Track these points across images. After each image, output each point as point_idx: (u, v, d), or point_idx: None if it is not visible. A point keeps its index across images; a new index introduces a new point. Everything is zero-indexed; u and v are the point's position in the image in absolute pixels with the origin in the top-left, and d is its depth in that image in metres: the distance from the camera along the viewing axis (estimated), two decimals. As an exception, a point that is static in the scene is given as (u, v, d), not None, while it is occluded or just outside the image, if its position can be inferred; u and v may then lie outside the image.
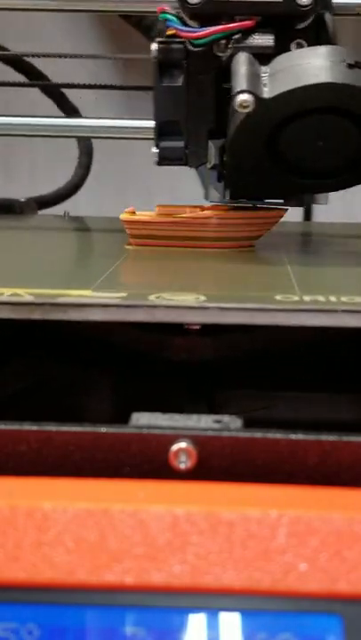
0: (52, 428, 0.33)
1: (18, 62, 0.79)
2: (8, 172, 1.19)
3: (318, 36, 0.51)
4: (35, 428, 0.33)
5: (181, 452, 0.33)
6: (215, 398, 0.44)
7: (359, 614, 0.29)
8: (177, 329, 0.45)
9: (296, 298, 0.38)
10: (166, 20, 0.51)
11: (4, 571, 0.30)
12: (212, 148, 0.53)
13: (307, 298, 0.38)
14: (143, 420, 0.34)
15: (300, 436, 0.33)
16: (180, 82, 0.52)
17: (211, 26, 0.50)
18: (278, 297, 0.38)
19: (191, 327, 0.44)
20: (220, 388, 0.47)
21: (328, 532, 0.30)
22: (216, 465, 0.33)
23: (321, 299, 0.38)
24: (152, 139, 0.55)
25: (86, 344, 0.49)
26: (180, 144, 0.54)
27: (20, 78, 0.81)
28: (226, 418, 0.34)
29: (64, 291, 0.38)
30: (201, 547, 0.30)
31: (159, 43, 0.52)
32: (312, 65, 0.47)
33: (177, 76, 0.52)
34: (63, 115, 0.81)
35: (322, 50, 0.48)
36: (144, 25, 0.89)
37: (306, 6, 0.50)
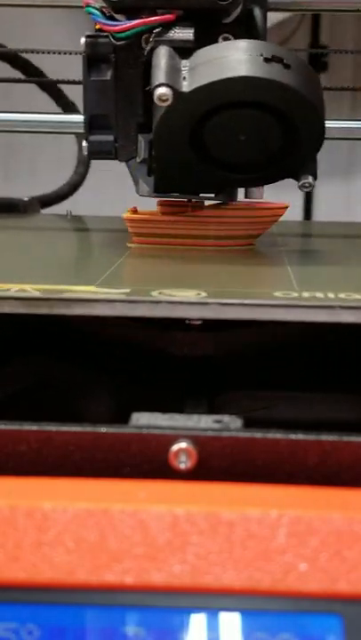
0: (52, 427, 0.33)
1: (13, 58, 0.79)
2: (8, 172, 1.19)
3: (247, 30, 0.51)
4: (35, 428, 0.33)
5: (181, 452, 0.33)
6: (215, 398, 0.44)
7: (359, 614, 0.29)
8: (178, 324, 0.45)
9: (295, 294, 0.38)
10: (90, 13, 0.51)
11: (3, 571, 0.30)
12: (142, 141, 0.53)
13: (305, 294, 0.38)
14: (143, 420, 0.34)
15: (300, 436, 0.33)
16: (108, 76, 0.53)
17: (135, 20, 0.50)
18: (278, 293, 0.38)
19: (193, 322, 0.44)
20: (220, 388, 0.47)
21: (328, 532, 0.30)
22: (216, 465, 0.33)
23: (319, 295, 0.38)
24: None
25: (86, 344, 0.49)
26: (110, 138, 0.54)
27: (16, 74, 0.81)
28: (226, 418, 0.34)
29: (69, 287, 0.39)
30: (201, 547, 0.30)
31: (87, 37, 0.52)
32: (230, 59, 0.47)
33: (105, 70, 0.53)
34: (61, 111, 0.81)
35: (241, 44, 0.48)
36: None
37: (225, 1, 0.49)
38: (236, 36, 0.50)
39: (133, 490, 0.32)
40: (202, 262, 0.51)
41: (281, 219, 0.56)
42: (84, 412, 0.49)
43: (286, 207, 0.55)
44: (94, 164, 0.89)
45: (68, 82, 0.75)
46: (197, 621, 0.30)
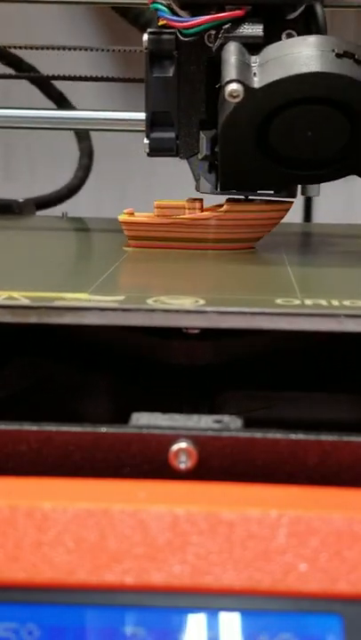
0: (52, 428, 0.33)
1: (4, 55, 0.79)
2: (8, 172, 1.19)
3: (309, 26, 0.51)
4: (35, 428, 0.33)
5: (181, 452, 0.33)
6: (215, 398, 0.44)
7: (359, 614, 0.29)
8: (176, 333, 0.45)
9: (297, 302, 0.37)
10: (157, 10, 0.51)
11: (4, 571, 0.30)
12: (204, 138, 0.53)
13: (308, 302, 0.37)
14: (143, 420, 0.34)
15: (300, 436, 0.33)
16: (171, 72, 0.53)
17: (201, 16, 0.50)
18: (279, 301, 0.37)
19: (190, 331, 0.44)
20: (219, 388, 0.46)
21: (328, 532, 0.30)
22: (216, 465, 0.33)
23: (323, 302, 0.37)
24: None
25: (86, 345, 0.49)
26: (172, 135, 0.54)
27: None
28: (226, 418, 0.34)
29: (60, 294, 0.37)
30: (201, 547, 0.30)
31: (150, 33, 0.52)
32: (302, 55, 0.47)
33: (168, 66, 0.53)
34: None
35: (311, 39, 0.48)
36: (142, 22, 0.89)
37: None
38: (299, 33, 0.51)
39: (133, 490, 0.32)
40: (200, 267, 0.50)
41: (281, 220, 0.56)
42: (83, 413, 0.48)
43: (287, 209, 0.55)
44: (94, 164, 0.89)
45: (64, 78, 0.75)
46: (197, 621, 0.29)
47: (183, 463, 0.33)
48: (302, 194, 0.55)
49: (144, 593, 0.29)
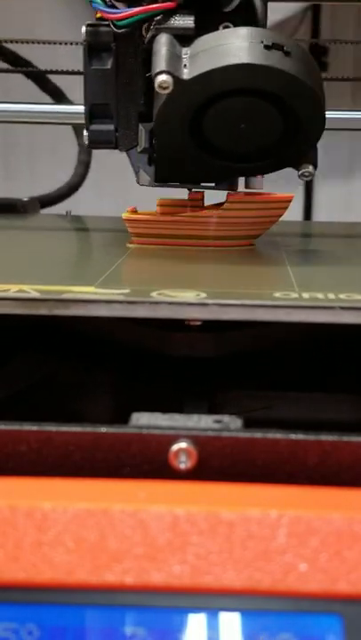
0: (52, 428, 0.33)
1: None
2: (8, 171, 1.19)
3: (247, 19, 0.51)
4: (35, 428, 0.33)
5: (181, 452, 0.33)
6: (215, 398, 0.44)
7: (359, 614, 0.29)
8: (178, 325, 0.45)
9: (295, 295, 0.38)
10: (92, 2, 0.51)
11: (4, 571, 0.30)
12: (143, 131, 0.53)
13: (305, 295, 0.38)
14: (143, 420, 0.34)
15: (300, 436, 0.33)
16: (109, 65, 0.52)
17: (135, 7, 0.50)
18: (277, 294, 0.38)
19: (192, 323, 0.44)
20: (220, 387, 0.47)
21: (328, 532, 0.30)
22: (216, 465, 0.33)
23: (319, 296, 0.38)
24: None
25: (87, 344, 0.49)
26: (111, 127, 0.54)
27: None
28: (226, 418, 0.34)
29: (68, 287, 0.39)
30: (201, 547, 0.30)
31: (88, 25, 0.52)
32: (231, 46, 0.46)
33: (106, 58, 0.52)
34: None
35: (242, 31, 0.47)
36: None
37: None
38: (237, 25, 0.50)
39: (133, 490, 0.32)
40: (201, 263, 0.50)
41: (281, 219, 0.56)
42: (83, 411, 0.49)
43: (286, 207, 0.55)
44: (95, 163, 0.89)
45: (59, 72, 0.75)
46: (197, 621, 0.30)
47: (183, 463, 0.33)
48: (246, 187, 0.55)
49: (144, 593, 0.29)
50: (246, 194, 0.55)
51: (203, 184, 0.54)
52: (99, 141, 0.54)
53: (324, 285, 0.41)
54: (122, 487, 0.32)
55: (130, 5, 0.50)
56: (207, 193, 0.55)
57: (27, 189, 0.84)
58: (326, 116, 0.49)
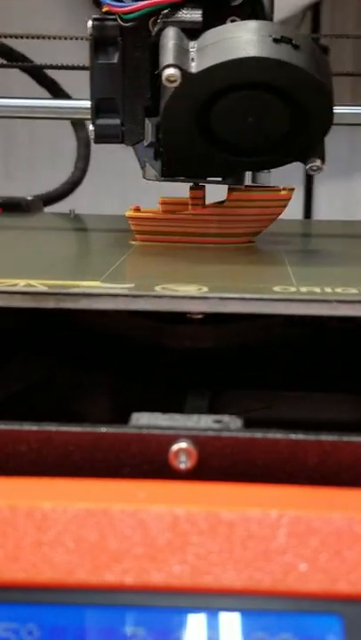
0: (52, 428, 0.33)
1: None
2: (8, 171, 1.19)
3: (254, 13, 0.50)
4: (35, 428, 0.33)
5: (181, 452, 0.33)
6: (215, 398, 0.44)
7: (359, 614, 0.29)
8: (180, 318, 0.46)
9: (293, 289, 0.39)
10: None
11: (4, 571, 0.30)
12: (149, 125, 0.53)
13: (303, 289, 0.39)
14: (143, 420, 0.34)
15: (300, 436, 0.33)
16: (115, 59, 0.52)
17: (144, 1, 0.50)
18: (276, 288, 0.39)
19: (194, 316, 0.45)
20: (220, 387, 0.47)
21: (328, 532, 0.30)
22: (216, 465, 0.33)
23: (317, 290, 0.39)
24: None
25: (86, 343, 0.49)
26: (117, 121, 0.53)
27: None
28: (226, 418, 0.34)
29: (75, 282, 0.40)
30: (201, 547, 0.30)
31: (94, 20, 0.52)
32: (239, 39, 0.46)
33: (112, 53, 0.52)
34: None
35: (250, 24, 0.47)
36: None
37: None
38: (244, 19, 0.50)
39: (133, 490, 0.32)
40: (203, 259, 0.51)
41: (281, 217, 0.56)
42: (83, 410, 0.49)
43: (286, 205, 0.55)
44: (95, 163, 0.89)
45: (57, 67, 0.75)
46: (197, 621, 0.30)
47: (183, 463, 0.33)
48: (253, 182, 0.55)
49: (144, 593, 0.29)
50: (248, 186, 0.55)
51: (209, 178, 0.54)
52: (105, 136, 0.54)
53: (322, 280, 0.41)
54: (122, 487, 0.32)
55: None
56: (209, 191, 0.55)
57: (26, 187, 0.84)
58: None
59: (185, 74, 0.46)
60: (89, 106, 0.61)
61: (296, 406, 0.47)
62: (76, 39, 0.73)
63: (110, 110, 0.53)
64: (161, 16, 0.49)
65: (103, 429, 0.33)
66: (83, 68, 0.72)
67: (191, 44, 0.48)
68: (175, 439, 0.33)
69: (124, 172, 1.12)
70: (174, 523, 0.30)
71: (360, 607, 0.29)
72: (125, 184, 1.12)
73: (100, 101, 0.53)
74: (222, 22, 0.50)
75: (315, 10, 1.70)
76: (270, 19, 0.51)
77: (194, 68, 0.47)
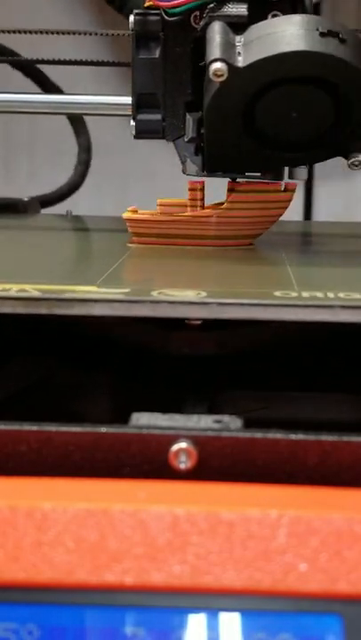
0: (52, 428, 0.33)
1: None
2: (8, 171, 1.19)
3: (295, 8, 0.50)
4: (35, 428, 0.33)
5: (181, 452, 0.33)
6: (215, 398, 0.44)
7: (359, 614, 0.29)
8: (178, 324, 0.45)
9: (295, 294, 0.38)
10: None
11: (4, 571, 0.30)
12: (190, 120, 0.52)
13: (305, 294, 0.38)
14: (143, 420, 0.34)
15: (300, 436, 0.33)
16: (156, 54, 0.52)
17: None
18: (277, 293, 0.38)
19: (192, 322, 0.44)
20: (220, 387, 0.47)
21: (328, 532, 0.30)
22: (216, 465, 0.33)
23: (319, 295, 0.38)
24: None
25: (87, 343, 0.49)
26: (158, 117, 0.53)
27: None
28: (226, 418, 0.34)
29: (70, 287, 0.39)
30: (201, 547, 0.30)
31: (136, 14, 0.52)
32: (286, 33, 0.46)
33: (154, 48, 0.52)
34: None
35: (296, 18, 0.47)
36: (127, 9, 0.89)
37: None
38: (285, 14, 0.50)
39: (133, 490, 0.32)
40: (201, 262, 0.50)
41: (281, 218, 0.56)
42: (83, 410, 0.49)
43: (286, 207, 0.55)
44: (95, 163, 0.89)
45: (53, 62, 0.74)
46: (197, 621, 0.30)
47: (183, 463, 0.33)
48: (290, 177, 0.55)
49: (144, 593, 0.29)
50: (247, 183, 0.54)
51: (248, 173, 0.53)
52: (146, 131, 0.54)
53: (324, 285, 0.41)
54: (122, 487, 0.32)
55: None
56: (207, 193, 0.55)
57: (26, 189, 0.84)
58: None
59: (232, 68, 0.46)
60: (87, 101, 0.61)
61: (296, 406, 0.47)
62: (78, 34, 0.73)
63: (151, 105, 0.53)
64: (207, 10, 0.49)
65: (103, 429, 0.33)
66: (78, 62, 0.72)
67: (237, 38, 0.47)
68: (175, 439, 0.33)
69: (123, 173, 1.12)
70: (174, 523, 0.30)
71: (360, 607, 0.29)
72: (124, 186, 1.12)
73: (140, 97, 0.53)
74: (264, 18, 0.50)
75: (315, 10, 1.70)
76: (311, 13, 0.50)
77: (241, 62, 0.46)
